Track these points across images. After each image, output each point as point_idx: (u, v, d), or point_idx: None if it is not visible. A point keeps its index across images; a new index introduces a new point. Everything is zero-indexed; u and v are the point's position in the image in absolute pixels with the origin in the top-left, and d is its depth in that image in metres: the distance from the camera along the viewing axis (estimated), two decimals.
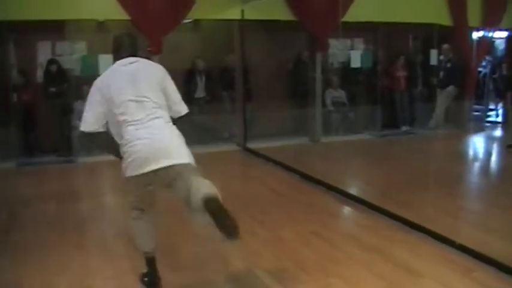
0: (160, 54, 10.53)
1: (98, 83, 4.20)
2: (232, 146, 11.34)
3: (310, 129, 11.95)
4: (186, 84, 11.70)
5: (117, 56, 4.37)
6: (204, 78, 11.79)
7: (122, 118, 4.04)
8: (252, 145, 10.81)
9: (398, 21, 11.88)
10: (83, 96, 11.05)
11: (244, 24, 11.16)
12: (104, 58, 10.99)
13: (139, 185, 4.29)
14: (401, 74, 12.96)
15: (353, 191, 7.52)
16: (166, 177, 4.13)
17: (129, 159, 4.07)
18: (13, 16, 9.60)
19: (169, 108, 4.33)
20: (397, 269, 4.76)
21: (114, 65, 4.30)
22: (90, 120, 4.12)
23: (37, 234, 6.05)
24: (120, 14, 10.23)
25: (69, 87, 10.81)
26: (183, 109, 4.51)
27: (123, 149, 4.10)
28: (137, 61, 4.31)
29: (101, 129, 4.16)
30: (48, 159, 10.45)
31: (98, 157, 10.45)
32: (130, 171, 4.12)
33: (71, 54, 11.24)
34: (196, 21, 11.77)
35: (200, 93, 11.76)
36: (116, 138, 4.18)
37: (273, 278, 4.61)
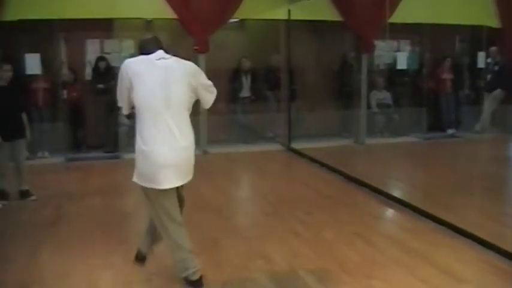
0: (207, 53, 10.62)
1: (128, 69, 4.23)
2: (276, 146, 11.35)
3: (354, 131, 11.89)
4: (231, 83, 11.77)
5: (143, 50, 4.40)
6: (249, 77, 11.83)
7: (145, 113, 4.16)
8: (296, 145, 10.81)
9: (445, 23, 11.71)
10: None
11: (290, 24, 11.16)
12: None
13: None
14: (447, 76, 12.79)
15: (397, 193, 7.46)
16: None
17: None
18: (64, 15, 9.80)
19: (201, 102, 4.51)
20: (439, 273, 4.71)
21: (149, 56, 4.29)
22: (125, 106, 4.33)
23: (83, 228, 6.17)
24: (167, 13, 10.38)
25: (116, 84, 10.93)
26: (207, 104, 4.62)
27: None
28: (170, 58, 4.33)
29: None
30: (95, 154, 10.63)
31: None
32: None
33: (119, 52, 11.40)
34: (242, 21, 11.83)
35: (245, 92, 11.80)
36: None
37: (315, 278, 4.61)
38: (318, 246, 5.45)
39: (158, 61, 4.22)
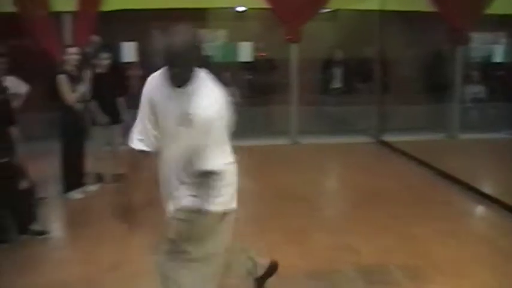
0: (299, 43, 10.64)
1: None
2: (367, 139, 11.25)
3: (447, 125, 11.61)
4: (322, 74, 11.76)
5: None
6: (341, 69, 11.76)
7: None
8: (387, 138, 10.67)
9: None
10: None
11: (384, 15, 11.00)
12: (243, 46, 11.29)
13: None
14: None
15: (490, 191, 7.24)
16: None
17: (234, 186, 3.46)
18: (158, 5, 10.04)
19: None
20: None
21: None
22: None
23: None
24: (259, 3, 10.42)
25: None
26: None
27: (223, 168, 3.30)
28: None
29: None
30: None
31: (233, 141, 10.80)
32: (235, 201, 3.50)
33: (212, 41, 11.57)
34: (335, 11, 11.77)
35: (336, 83, 11.75)
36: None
37: (404, 274, 4.58)
38: (407, 241, 5.38)
39: None
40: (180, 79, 3.19)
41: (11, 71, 7.05)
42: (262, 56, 11.41)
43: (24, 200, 5.91)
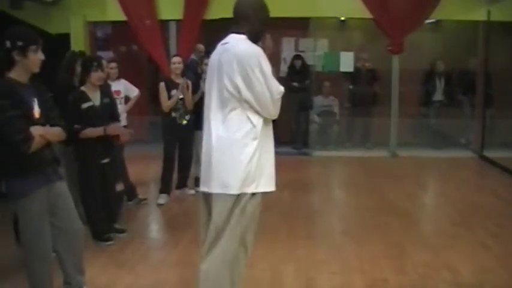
0: (401, 53, 10.53)
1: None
2: (468, 153, 10.97)
3: None
4: (424, 85, 11.57)
5: None
6: (443, 80, 11.52)
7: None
8: (489, 153, 10.35)
9: None
10: (323, 92, 11.45)
11: (489, 25, 10.70)
12: (345, 55, 11.27)
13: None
14: None
15: None
16: None
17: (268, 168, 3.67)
18: None
19: None
20: None
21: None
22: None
23: (270, 220, 6.20)
24: (362, 12, 10.41)
25: (310, 83, 11.20)
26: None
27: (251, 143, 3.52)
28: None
29: None
30: (285, 150, 10.87)
31: (333, 152, 10.82)
32: (270, 185, 3.68)
33: (314, 50, 11.61)
34: (438, 22, 11.56)
35: (438, 96, 11.51)
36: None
37: None
38: (508, 262, 5.20)
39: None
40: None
41: (123, 77, 7.39)
42: (366, 66, 11.31)
43: (118, 202, 6.25)
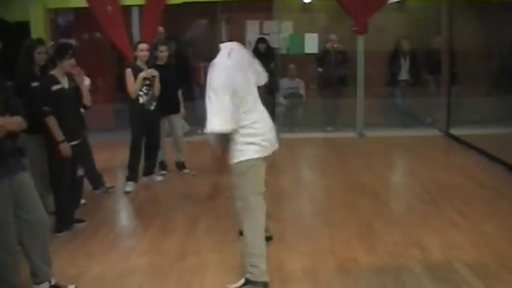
0: (366, 34, 10.53)
1: (224, 83, 4.01)
2: (434, 132, 11.04)
3: None
4: (389, 65, 11.59)
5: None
6: (408, 60, 11.55)
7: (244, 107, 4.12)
8: (455, 131, 10.43)
9: None
10: (288, 75, 11.42)
11: (452, 3, 10.73)
12: (310, 37, 11.23)
13: (263, 166, 4.33)
14: None
15: None
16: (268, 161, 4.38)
17: (256, 139, 4.16)
18: None
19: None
20: None
21: (231, 60, 4.21)
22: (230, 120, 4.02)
23: None
24: None
25: (275, 66, 11.15)
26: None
27: (241, 132, 4.12)
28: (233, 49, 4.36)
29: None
30: None
31: (300, 134, 10.81)
32: (262, 151, 4.21)
33: (278, 33, 11.56)
34: (402, 1, 11.59)
35: (403, 75, 11.54)
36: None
37: (473, 272, 4.46)
38: (476, 239, 5.25)
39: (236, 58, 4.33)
40: None
41: (85, 65, 7.26)
42: (335, 47, 11.27)
43: (80, 188, 6.24)
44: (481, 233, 5.41)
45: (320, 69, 11.50)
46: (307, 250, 5.05)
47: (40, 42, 6.11)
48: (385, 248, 5.04)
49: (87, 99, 6.17)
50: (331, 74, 11.29)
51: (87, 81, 7.38)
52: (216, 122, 3.94)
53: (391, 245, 5.10)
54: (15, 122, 3.85)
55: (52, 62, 5.68)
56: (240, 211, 4.27)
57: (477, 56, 11.52)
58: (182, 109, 8.13)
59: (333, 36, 11.21)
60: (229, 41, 4.44)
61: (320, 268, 4.68)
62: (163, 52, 7.78)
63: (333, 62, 11.27)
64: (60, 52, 5.57)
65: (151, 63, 7.55)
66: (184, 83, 8.76)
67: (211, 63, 4.15)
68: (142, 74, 7.16)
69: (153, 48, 7.85)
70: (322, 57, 11.42)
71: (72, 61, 5.59)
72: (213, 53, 4.29)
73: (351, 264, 4.71)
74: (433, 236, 5.31)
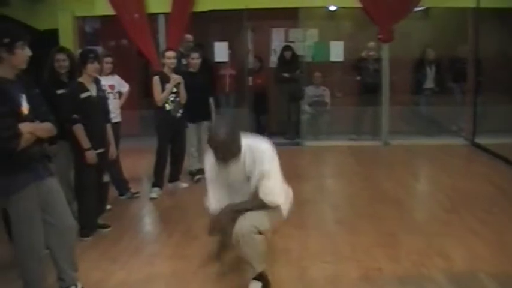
0: (391, 42, 10.52)
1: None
2: (459, 140, 10.99)
3: None
4: (414, 74, 11.56)
5: None
6: (433, 68, 11.52)
7: None
8: (481, 140, 10.36)
9: None
10: (313, 82, 11.45)
11: (479, 12, 10.68)
12: (335, 45, 11.24)
13: None
14: None
15: None
16: None
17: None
18: (249, 4, 10.19)
19: None
20: None
21: None
22: None
23: None
24: (351, 1, 10.43)
25: (301, 73, 11.18)
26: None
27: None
28: None
29: None
30: (277, 141, 10.85)
31: (324, 142, 10.82)
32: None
33: (303, 41, 11.59)
34: (428, 9, 11.56)
35: (429, 83, 11.51)
36: None
37: (497, 283, 4.41)
38: (499, 248, 5.20)
39: None
40: (224, 161, 4.10)
41: (115, 71, 7.38)
42: (371, 55, 11.21)
43: (105, 194, 6.29)
44: (504, 242, 5.36)
45: (359, 78, 11.43)
46: (329, 258, 5.05)
47: (61, 50, 6.13)
48: (408, 257, 5.02)
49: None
50: (367, 82, 11.22)
51: (126, 88, 7.52)
52: (280, 199, 4.38)
53: (414, 254, 5.07)
54: (45, 129, 3.92)
55: (79, 70, 5.74)
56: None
57: (503, 64, 11.44)
58: (214, 116, 8.19)
59: (372, 44, 11.15)
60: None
61: (343, 277, 4.67)
62: (195, 59, 7.86)
63: (371, 69, 11.18)
64: (82, 58, 5.64)
65: (180, 70, 7.61)
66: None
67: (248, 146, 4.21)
68: (170, 84, 7.24)
69: (181, 56, 7.93)
70: (358, 65, 11.39)
71: (96, 65, 5.64)
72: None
73: (373, 273, 4.70)
74: (456, 245, 5.28)
